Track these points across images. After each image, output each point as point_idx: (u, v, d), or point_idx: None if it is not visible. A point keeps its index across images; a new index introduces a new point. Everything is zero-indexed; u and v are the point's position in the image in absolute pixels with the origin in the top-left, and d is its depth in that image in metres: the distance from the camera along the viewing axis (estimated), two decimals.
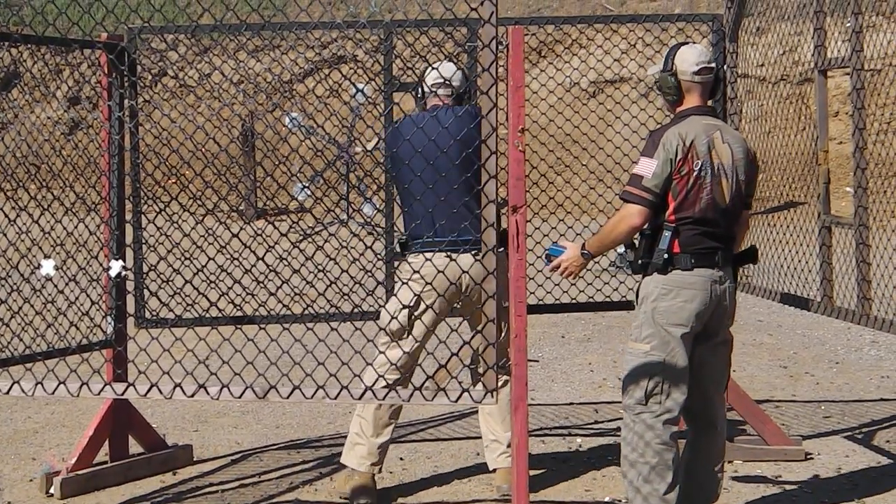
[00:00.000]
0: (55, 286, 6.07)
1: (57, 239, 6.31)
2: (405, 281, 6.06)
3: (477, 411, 6.64)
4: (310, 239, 6.78)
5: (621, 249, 5.64)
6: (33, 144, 6.72)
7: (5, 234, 6.01)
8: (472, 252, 5.88)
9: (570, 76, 9.04)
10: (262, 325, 6.17)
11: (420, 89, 6.48)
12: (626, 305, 7.13)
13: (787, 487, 6.52)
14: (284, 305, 6.81)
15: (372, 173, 7.25)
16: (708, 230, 5.41)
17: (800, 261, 7.14)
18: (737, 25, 7.31)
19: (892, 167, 11.54)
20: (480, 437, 6.63)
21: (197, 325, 6.73)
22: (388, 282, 6.88)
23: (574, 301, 7.43)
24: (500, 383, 5.27)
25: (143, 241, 6.92)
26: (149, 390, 5.01)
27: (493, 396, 4.87)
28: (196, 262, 6.68)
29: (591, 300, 7.43)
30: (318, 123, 6.79)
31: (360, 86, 7.70)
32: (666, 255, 5.39)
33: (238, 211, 8.22)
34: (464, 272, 5.56)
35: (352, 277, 6.54)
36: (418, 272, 5.79)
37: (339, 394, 4.93)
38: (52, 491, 6.54)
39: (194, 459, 7.25)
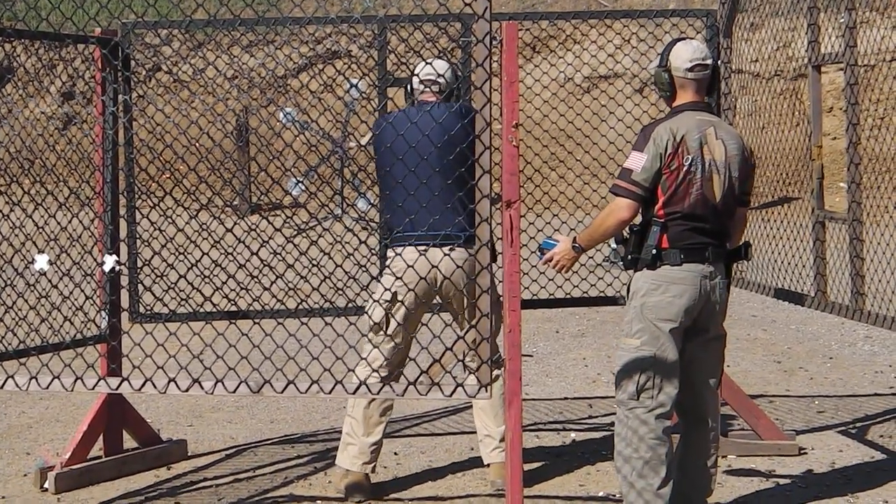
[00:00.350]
0: (49, 281, 6.08)
1: (51, 234, 6.30)
2: (375, 277, 6.08)
3: (471, 406, 6.65)
4: (304, 234, 6.79)
5: (614, 244, 5.65)
6: (27, 139, 6.70)
7: None
8: (445, 247, 5.86)
9: (564, 71, 9.06)
10: (257, 320, 6.16)
11: (409, 86, 6.50)
12: (621, 300, 7.14)
13: (781, 482, 6.53)
14: (279, 300, 6.81)
15: (366, 168, 7.25)
16: (698, 226, 5.42)
17: (793, 256, 7.14)
18: (731, 21, 7.32)
19: (885, 163, 11.56)
20: (475, 432, 6.64)
21: (191, 320, 6.73)
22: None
23: (568, 296, 7.44)
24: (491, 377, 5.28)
25: (138, 235, 6.92)
26: (143, 385, 5.02)
27: (486, 391, 4.88)
28: (190, 257, 6.68)
29: (585, 295, 7.44)
30: (312, 118, 6.79)
31: (355, 81, 7.71)
32: (654, 251, 5.41)
33: (232, 206, 8.22)
34: (433, 267, 5.57)
35: (346, 272, 6.54)
36: (391, 267, 5.80)
37: (333, 388, 4.93)
38: (46, 486, 6.54)
39: (189, 454, 7.25)
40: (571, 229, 6.75)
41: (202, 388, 4.99)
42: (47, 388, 5.09)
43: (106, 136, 6.64)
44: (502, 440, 6.33)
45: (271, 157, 7.06)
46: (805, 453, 7.04)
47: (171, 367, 5.34)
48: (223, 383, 4.97)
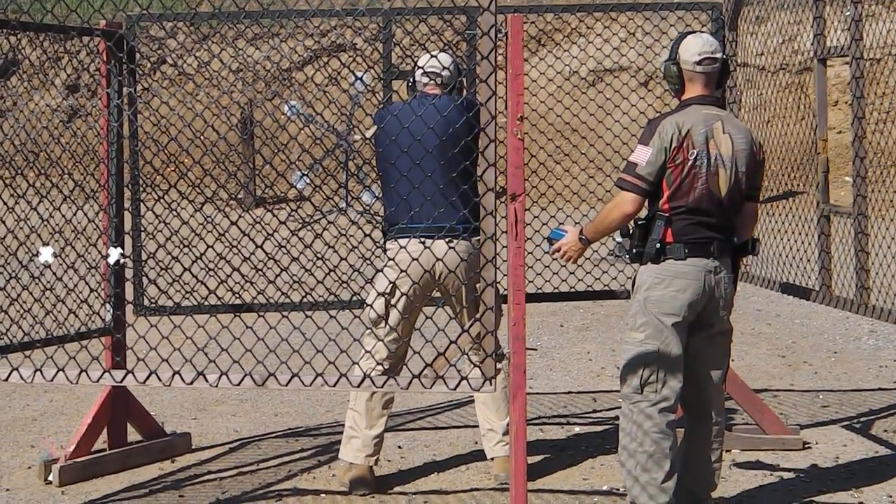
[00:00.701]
0: (54, 273, 6.08)
1: (55, 226, 6.31)
2: (380, 269, 6.08)
3: (474, 400, 6.65)
4: (309, 227, 6.78)
5: (619, 238, 5.65)
6: (32, 132, 6.70)
7: (4, 222, 6.01)
8: (447, 239, 5.89)
9: (569, 65, 9.03)
10: (261, 313, 6.17)
11: (412, 78, 6.50)
12: (625, 294, 7.14)
13: (785, 476, 6.53)
14: (283, 293, 6.81)
15: (371, 161, 7.24)
16: (703, 220, 5.41)
17: (798, 250, 7.14)
18: (736, 14, 7.31)
19: (891, 156, 11.54)
20: (478, 426, 6.64)
21: (196, 313, 6.73)
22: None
23: (573, 290, 7.43)
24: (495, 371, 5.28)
25: (142, 228, 6.92)
26: (147, 378, 5.02)
27: (491, 384, 4.88)
28: (195, 250, 6.68)
29: (589, 289, 7.44)
30: (317, 111, 6.79)
31: (360, 74, 7.70)
32: (658, 245, 5.40)
33: (237, 199, 8.22)
34: (437, 259, 5.57)
35: (350, 265, 6.55)
36: (393, 259, 5.80)
37: (337, 381, 4.93)
38: (50, 478, 6.55)
39: (193, 447, 7.25)
40: (576, 222, 6.74)
41: (206, 380, 4.99)
42: (52, 380, 5.09)
43: (111, 128, 6.64)
44: (505, 434, 6.33)
45: (276, 150, 7.05)
46: (809, 448, 7.04)
47: (176, 360, 5.35)
48: (227, 376, 4.97)
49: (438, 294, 6.44)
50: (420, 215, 5.98)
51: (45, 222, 6.25)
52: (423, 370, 4.95)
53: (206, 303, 6.87)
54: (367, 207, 7.38)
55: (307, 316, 5.56)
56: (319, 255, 6.42)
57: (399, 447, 7.22)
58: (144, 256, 6.93)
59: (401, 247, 5.81)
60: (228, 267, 6.72)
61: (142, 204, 6.92)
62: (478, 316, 4.88)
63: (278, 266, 6.62)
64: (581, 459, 6.93)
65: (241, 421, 7.96)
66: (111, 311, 6.61)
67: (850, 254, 6.42)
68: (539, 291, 7.45)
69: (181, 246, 6.72)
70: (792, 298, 7.81)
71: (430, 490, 6.42)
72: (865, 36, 6.32)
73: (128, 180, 6.86)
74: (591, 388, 8.80)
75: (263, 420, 7.98)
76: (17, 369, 5.12)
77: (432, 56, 6.36)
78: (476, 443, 7.09)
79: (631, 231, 5.51)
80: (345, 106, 7.73)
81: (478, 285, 4.94)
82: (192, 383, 5.02)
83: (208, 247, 6.70)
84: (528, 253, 5.60)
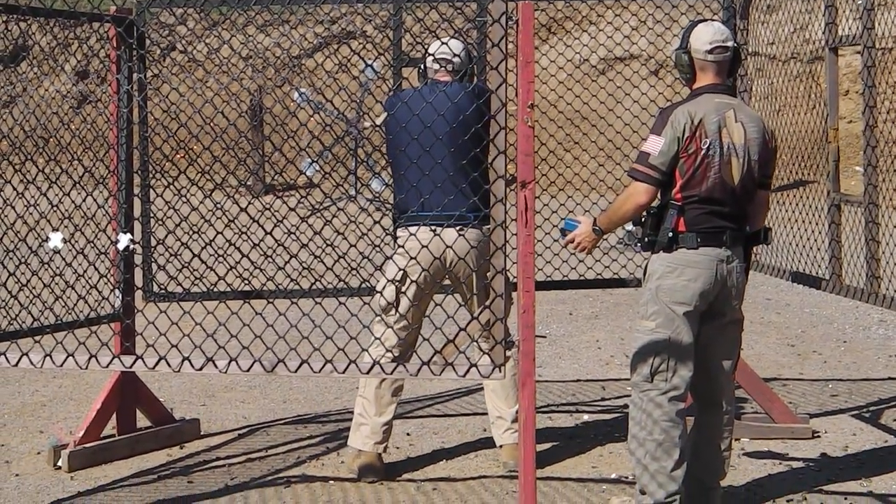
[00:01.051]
0: (63, 259, 6.08)
1: (65, 212, 6.31)
2: (389, 256, 6.08)
3: (483, 387, 6.66)
4: (318, 214, 6.78)
5: (629, 227, 5.63)
6: (42, 118, 6.70)
7: (13, 207, 6.01)
8: (457, 227, 5.88)
9: (579, 53, 9.01)
10: (271, 300, 6.16)
11: (423, 65, 6.49)
12: (635, 282, 7.13)
13: (794, 465, 6.52)
14: (293, 280, 6.81)
15: (380, 149, 7.23)
16: (715, 209, 5.39)
17: (809, 239, 7.12)
18: (748, 2, 7.29)
19: None
20: (487, 414, 6.64)
21: (205, 299, 6.73)
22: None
23: (582, 278, 7.42)
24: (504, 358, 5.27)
25: (152, 214, 6.92)
26: (157, 363, 5.02)
27: (500, 371, 4.87)
28: (204, 237, 6.68)
29: (599, 277, 7.43)
30: (326, 98, 6.78)
31: (370, 61, 7.69)
32: (671, 234, 5.39)
33: (246, 186, 8.22)
34: (447, 247, 5.56)
35: (360, 252, 6.54)
36: (403, 247, 5.79)
37: (346, 368, 4.93)
38: (59, 464, 6.56)
39: (201, 433, 7.27)
40: (586, 211, 6.73)
41: (216, 366, 4.99)
42: (61, 365, 5.09)
43: (120, 114, 6.64)
44: (514, 421, 6.34)
45: (286, 137, 7.05)
46: (818, 437, 7.03)
47: (185, 346, 5.35)
48: (237, 362, 4.97)
49: (448, 281, 6.44)
50: (430, 203, 5.98)
51: (55, 208, 6.25)
52: (432, 357, 4.94)
53: (215, 289, 6.87)
54: (377, 195, 7.38)
55: (317, 303, 5.56)
56: (329, 242, 6.42)
57: (408, 434, 7.22)
58: (154, 242, 6.93)
59: (411, 234, 5.81)
60: (238, 253, 6.72)
61: (151, 190, 6.92)
62: (487, 303, 4.87)
63: (288, 253, 6.62)
64: (590, 447, 6.93)
65: (249, 407, 7.97)
66: (121, 296, 6.61)
67: (861, 243, 6.41)
68: (549, 279, 7.44)
69: (190, 232, 6.72)
70: (802, 287, 7.81)
71: (438, 477, 6.42)
72: (877, 25, 6.30)
73: (137, 166, 6.86)
74: (600, 377, 8.79)
75: (272, 406, 7.98)
76: (26, 354, 5.12)
77: (443, 43, 6.35)
78: (485, 430, 7.09)
79: (643, 220, 5.49)
80: (355, 93, 7.72)
81: (487, 273, 4.93)
82: (201, 369, 5.02)
83: (218, 233, 6.70)
84: (538, 241, 5.59)
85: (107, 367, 5.10)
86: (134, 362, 5.09)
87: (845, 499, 5.96)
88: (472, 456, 6.80)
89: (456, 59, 6.34)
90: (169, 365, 5.01)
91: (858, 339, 10.03)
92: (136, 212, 6.76)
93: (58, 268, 6.10)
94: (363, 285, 6.99)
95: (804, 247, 7.13)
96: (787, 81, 7.76)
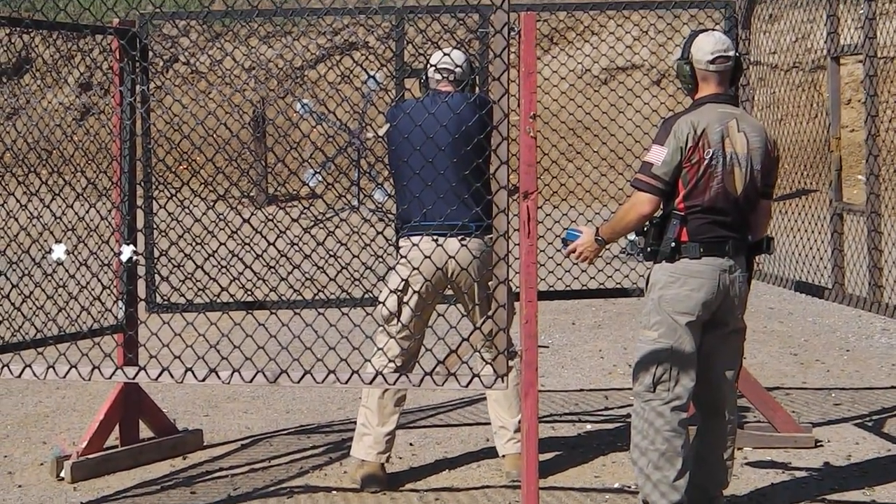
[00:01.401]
0: (66, 271, 6.09)
1: (68, 224, 6.32)
2: (392, 266, 6.08)
3: (486, 397, 6.66)
4: (321, 225, 6.78)
5: (632, 237, 5.64)
6: (45, 130, 6.72)
7: (17, 219, 6.02)
8: (459, 237, 5.89)
9: (581, 63, 9.03)
10: (273, 311, 6.17)
11: (425, 75, 6.50)
12: (637, 292, 7.13)
13: (797, 474, 6.52)
14: (295, 291, 6.82)
15: (383, 159, 7.25)
16: (718, 219, 5.40)
17: (811, 248, 7.13)
18: (749, 12, 7.29)
19: None
20: (490, 424, 6.64)
21: (208, 311, 6.74)
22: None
23: (585, 287, 7.42)
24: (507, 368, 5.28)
25: (155, 226, 6.93)
26: (160, 374, 5.02)
27: (503, 381, 4.88)
28: (207, 248, 6.69)
29: (601, 287, 7.43)
30: (329, 109, 6.79)
31: (372, 72, 7.70)
32: (673, 244, 5.39)
33: (249, 196, 8.23)
34: (450, 257, 5.57)
35: (363, 263, 6.56)
36: (405, 257, 5.80)
37: (349, 378, 4.93)
38: (62, 475, 6.56)
39: (204, 444, 7.27)
40: (588, 221, 6.74)
41: (219, 377, 5.00)
42: (64, 377, 5.10)
43: (123, 126, 6.66)
44: (517, 431, 6.33)
45: (288, 148, 7.06)
46: (821, 446, 7.03)
47: (188, 357, 5.35)
48: (240, 373, 4.98)
49: (450, 291, 6.44)
50: (433, 213, 5.98)
51: (58, 220, 6.26)
52: (435, 367, 4.95)
53: (218, 300, 6.87)
54: (380, 205, 7.39)
55: (319, 313, 5.56)
56: (332, 253, 6.43)
57: (411, 444, 7.22)
58: (157, 254, 6.94)
59: (413, 244, 5.82)
60: (241, 264, 6.73)
61: (154, 201, 6.93)
62: (490, 313, 4.88)
63: (290, 263, 6.63)
64: (593, 457, 6.92)
65: (252, 418, 7.97)
66: (124, 308, 6.62)
67: (864, 252, 6.41)
68: (551, 289, 7.44)
69: (193, 243, 6.73)
70: (804, 296, 7.80)
71: (441, 487, 6.42)
72: (879, 34, 6.31)
73: (140, 178, 6.87)
74: (603, 386, 8.79)
75: (275, 417, 7.98)
76: (29, 366, 5.13)
77: (445, 53, 6.36)
78: (488, 440, 7.09)
79: (646, 230, 5.50)
80: (357, 104, 7.73)
81: (490, 283, 4.94)
82: (204, 380, 5.02)
83: (220, 244, 6.71)
84: (541, 251, 5.59)
85: (110, 378, 5.10)
86: (137, 373, 5.10)
87: None
88: (475, 466, 6.80)
89: (458, 70, 6.35)
90: (172, 376, 5.02)
91: (861, 347, 10.03)
92: (140, 223, 6.77)
93: (61, 279, 6.11)
94: (366, 296, 6.99)
95: (807, 256, 7.14)
96: (790, 91, 7.77)
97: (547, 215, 7.21)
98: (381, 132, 6.50)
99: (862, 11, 6.27)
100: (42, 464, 6.90)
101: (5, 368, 5.13)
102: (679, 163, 5.36)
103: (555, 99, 7.78)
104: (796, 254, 7.23)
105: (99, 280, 6.23)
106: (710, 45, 5.49)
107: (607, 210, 5.84)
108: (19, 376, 5.14)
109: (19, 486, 6.52)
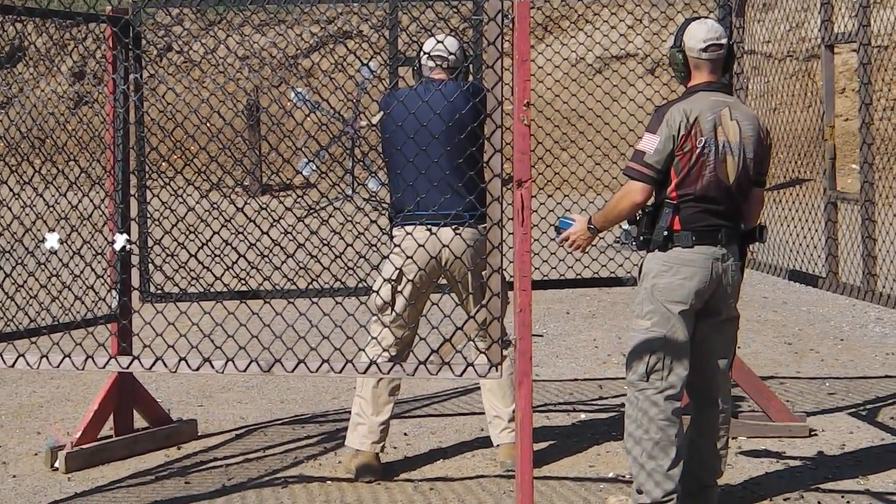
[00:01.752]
0: (60, 260, 6.07)
1: (62, 213, 6.30)
2: (385, 256, 6.07)
3: (480, 387, 6.65)
4: (315, 213, 6.77)
5: (626, 225, 5.63)
6: (38, 118, 6.70)
7: (10, 208, 6.00)
8: (453, 226, 5.87)
9: (575, 52, 9.01)
10: (267, 300, 6.16)
11: (418, 62, 6.48)
12: (631, 282, 7.13)
13: (791, 463, 6.52)
14: (289, 280, 6.81)
15: (377, 148, 7.23)
16: (710, 208, 5.39)
17: (805, 237, 7.13)
18: (743, 1, 7.28)
19: None
20: (484, 413, 6.64)
21: (202, 300, 6.73)
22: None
23: (579, 277, 7.42)
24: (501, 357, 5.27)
25: (148, 215, 6.92)
26: (154, 364, 5.01)
27: (497, 370, 4.87)
28: (201, 237, 6.68)
29: (596, 276, 7.43)
30: (323, 98, 6.78)
31: (366, 60, 7.68)
32: (666, 232, 5.39)
33: (243, 185, 8.21)
34: (444, 246, 5.57)
35: (357, 252, 6.53)
36: (399, 246, 5.80)
37: (343, 367, 4.93)
38: (57, 465, 6.56)
39: (199, 434, 7.26)
40: (583, 209, 6.73)
41: (213, 366, 4.99)
42: (58, 366, 5.09)
43: (117, 114, 6.64)
44: (511, 421, 6.33)
45: (282, 137, 7.04)
46: (815, 435, 7.03)
47: (182, 347, 5.34)
48: (234, 362, 4.97)
49: (444, 281, 6.44)
50: (426, 202, 5.97)
51: (51, 208, 6.25)
52: (429, 356, 4.94)
53: (212, 289, 6.86)
54: (374, 194, 7.37)
55: (313, 302, 5.55)
56: (325, 242, 6.42)
57: (405, 434, 7.22)
58: (150, 243, 6.93)
59: (407, 233, 5.81)
60: (234, 253, 6.71)
61: (148, 190, 6.91)
62: (484, 302, 4.87)
63: (284, 252, 6.61)
64: (587, 446, 6.92)
65: (247, 408, 7.96)
66: (117, 297, 6.61)
67: (857, 241, 6.41)
68: (545, 279, 7.44)
69: (187, 232, 6.71)
70: (798, 286, 7.81)
71: (436, 477, 6.42)
72: (873, 22, 6.30)
73: (134, 167, 6.85)
74: (598, 376, 8.79)
75: (269, 407, 7.98)
76: (23, 356, 5.12)
77: (438, 41, 6.34)
78: (482, 430, 7.09)
79: (638, 218, 5.49)
80: (351, 92, 7.72)
81: (483, 272, 4.93)
82: (198, 369, 5.01)
83: (214, 233, 6.70)
84: (535, 240, 5.59)
85: (103, 367, 5.09)
86: (130, 363, 5.09)
87: (842, 497, 5.96)
88: (470, 455, 6.80)
89: (451, 57, 6.33)
90: (165, 365, 5.01)
91: (855, 336, 10.04)
92: (133, 212, 6.75)
93: (54, 269, 6.09)
94: (360, 285, 6.98)
95: (801, 245, 7.14)
96: (784, 79, 7.76)
97: (541, 204, 7.21)
98: (375, 120, 6.48)
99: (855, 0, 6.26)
100: (36, 454, 6.89)
101: None
102: (671, 151, 5.35)
103: (549, 88, 7.76)
104: (790, 243, 7.23)
105: (93, 269, 6.22)
106: (702, 32, 5.48)
107: (601, 199, 5.83)
108: (13, 366, 5.13)
109: (14, 477, 6.51)
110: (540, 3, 8.72)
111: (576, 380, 8.67)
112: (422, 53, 6.43)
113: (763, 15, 7.63)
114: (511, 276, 4.84)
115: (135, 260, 6.77)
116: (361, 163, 7.98)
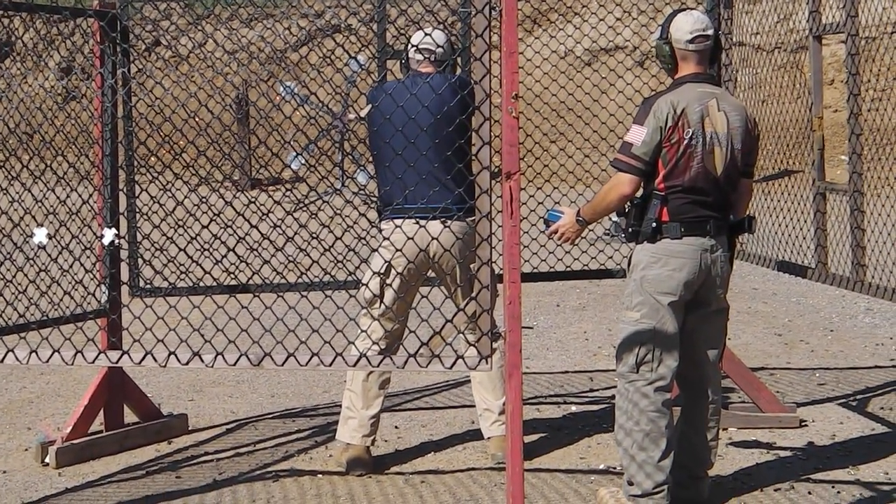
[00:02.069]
0: (49, 255, 6.06)
1: (50, 208, 6.29)
2: (375, 249, 6.07)
3: (470, 380, 6.65)
4: (304, 207, 6.77)
5: (615, 217, 5.64)
6: (26, 113, 6.68)
7: None
8: (441, 219, 5.87)
9: (564, 44, 9.01)
10: (257, 294, 6.16)
11: (405, 55, 6.48)
12: (621, 273, 7.13)
13: (782, 454, 6.53)
14: (279, 273, 6.80)
15: (366, 141, 7.23)
16: (699, 199, 5.40)
17: (794, 228, 7.13)
18: None
19: (886, 135, 11.53)
20: (474, 406, 6.64)
21: (191, 294, 6.72)
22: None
23: (568, 269, 7.42)
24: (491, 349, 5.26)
25: (137, 209, 6.90)
26: (143, 358, 5.00)
27: (486, 363, 4.87)
28: (190, 231, 6.67)
29: (585, 268, 7.43)
30: (311, 92, 6.77)
31: (354, 54, 7.67)
32: (654, 224, 5.39)
33: (232, 180, 8.20)
34: (433, 238, 5.56)
35: (346, 245, 6.53)
36: (388, 239, 5.79)
37: (333, 361, 4.92)
38: (47, 460, 6.55)
39: (189, 429, 7.25)
40: (572, 202, 6.73)
41: (202, 361, 4.98)
42: (47, 362, 5.08)
43: (105, 109, 6.62)
44: (502, 413, 6.33)
45: (271, 131, 7.03)
46: (806, 426, 7.04)
47: (172, 341, 5.33)
48: (223, 356, 4.96)
49: (433, 273, 6.44)
50: (414, 195, 5.97)
51: (40, 203, 6.23)
52: (419, 349, 4.93)
53: (201, 284, 6.86)
54: (362, 187, 7.37)
55: (303, 296, 5.55)
56: (314, 236, 6.41)
57: (396, 427, 7.22)
58: (139, 237, 6.91)
59: (396, 226, 5.81)
60: (224, 248, 6.71)
61: (136, 185, 6.90)
62: (473, 295, 4.87)
63: (273, 246, 6.61)
64: (578, 439, 6.93)
65: (237, 402, 7.95)
66: (107, 292, 6.59)
67: (846, 231, 6.42)
68: (535, 271, 7.44)
69: (176, 227, 6.70)
70: (788, 277, 7.83)
71: (426, 470, 6.42)
72: (861, 13, 6.30)
73: (122, 161, 6.84)
74: (588, 368, 8.80)
75: (260, 401, 7.97)
76: (12, 351, 5.11)
77: (426, 33, 6.33)
78: (473, 422, 7.09)
79: (627, 210, 5.49)
80: (340, 86, 7.71)
81: (472, 264, 4.92)
82: (187, 364, 5.01)
83: (203, 227, 6.69)
84: (524, 232, 5.58)
85: (93, 362, 5.08)
86: (120, 358, 5.08)
87: (833, 487, 5.97)
88: (461, 448, 6.80)
89: (439, 50, 6.32)
90: (155, 360, 5.00)
91: (845, 327, 10.05)
92: (122, 207, 6.74)
93: (43, 263, 6.08)
94: (349, 278, 6.98)
95: (790, 236, 7.14)
96: (772, 71, 7.76)
97: (530, 196, 7.21)
98: (363, 113, 6.47)
99: None
100: (27, 449, 6.88)
101: None
102: (659, 142, 5.36)
103: (538, 80, 7.76)
104: (779, 234, 7.24)
105: (81, 264, 6.20)
106: (688, 24, 5.48)
107: (591, 191, 5.83)
108: (2, 361, 5.11)
109: (4, 472, 6.50)
110: None
111: (566, 372, 8.68)
112: (409, 46, 6.42)
113: (751, 6, 7.63)
114: (500, 269, 4.84)
115: (124, 255, 6.75)
116: (350, 156, 7.97)
